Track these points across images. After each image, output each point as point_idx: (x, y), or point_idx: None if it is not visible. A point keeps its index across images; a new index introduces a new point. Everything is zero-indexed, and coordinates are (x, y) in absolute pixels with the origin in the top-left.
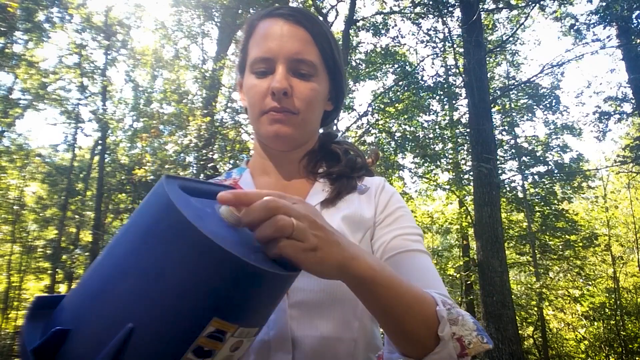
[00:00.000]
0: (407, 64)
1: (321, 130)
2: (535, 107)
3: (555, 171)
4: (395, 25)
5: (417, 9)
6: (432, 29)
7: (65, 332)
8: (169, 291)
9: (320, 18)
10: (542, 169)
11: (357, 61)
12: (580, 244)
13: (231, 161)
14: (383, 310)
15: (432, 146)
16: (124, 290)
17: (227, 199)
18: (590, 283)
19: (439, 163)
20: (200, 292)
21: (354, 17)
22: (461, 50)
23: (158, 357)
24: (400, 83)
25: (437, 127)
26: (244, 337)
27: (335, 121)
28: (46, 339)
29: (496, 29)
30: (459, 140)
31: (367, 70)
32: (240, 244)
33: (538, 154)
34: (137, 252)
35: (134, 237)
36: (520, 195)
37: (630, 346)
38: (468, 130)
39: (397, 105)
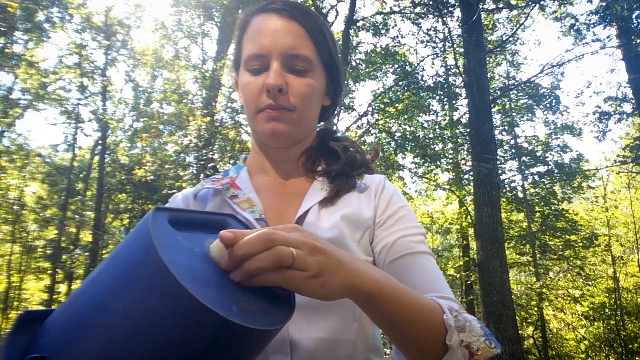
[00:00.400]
0: (407, 64)
1: (320, 127)
2: (535, 107)
3: (555, 171)
4: (395, 25)
5: (417, 9)
6: (432, 29)
7: (42, 359)
8: (144, 339)
9: (320, 18)
10: (542, 169)
11: (357, 61)
12: (580, 244)
13: (231, 161)
14: (389, 322)
15: (432, 146)
16: (100, 328)
17: (229, 239)
18: (590, 283)
19: (439, 163)
20: (180, 346)
21: (354, 17)
22: (461, 50)
23: None
24: (400, 83)
25: (437, 127)
26: None
27: (335, 121)
28: None
29: (496, 29)
30: (459, 140)
31: (367, 70)
32: (227, 290)
33: (538, 154)
34: (115, 293)
35: (115, 273)
36: (520, 195)
37: (630, 346)
38: (468, 130)
39: (397, 105)
